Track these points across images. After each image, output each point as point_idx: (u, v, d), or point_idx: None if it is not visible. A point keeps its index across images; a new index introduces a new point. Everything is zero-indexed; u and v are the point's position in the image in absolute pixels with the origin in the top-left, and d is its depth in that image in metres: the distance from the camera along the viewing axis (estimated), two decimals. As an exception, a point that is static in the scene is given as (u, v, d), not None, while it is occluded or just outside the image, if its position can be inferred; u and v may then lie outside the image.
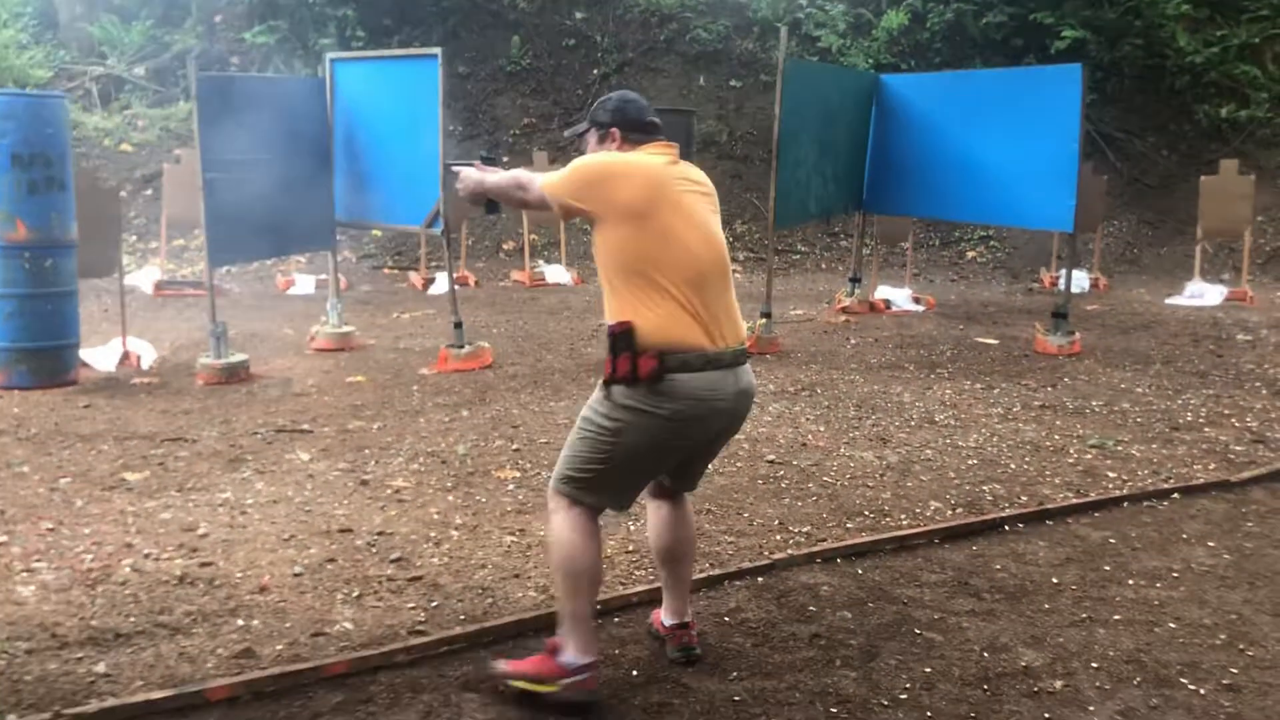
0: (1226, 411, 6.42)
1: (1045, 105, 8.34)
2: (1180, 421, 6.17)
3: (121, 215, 8.99)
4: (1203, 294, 11.03)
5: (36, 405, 6.29)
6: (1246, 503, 4.73)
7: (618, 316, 2.86)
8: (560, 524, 2.98)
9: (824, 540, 4.20)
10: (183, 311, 10.02)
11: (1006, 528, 4.37)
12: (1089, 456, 5.44)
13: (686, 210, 2.93)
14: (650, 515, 3.27)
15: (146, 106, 14.39)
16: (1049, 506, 4.58)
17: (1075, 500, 4.69)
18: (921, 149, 9.35)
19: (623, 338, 2.81)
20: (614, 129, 3.05)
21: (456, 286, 11.43)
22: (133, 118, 14.19)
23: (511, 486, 4.88)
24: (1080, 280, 11.82)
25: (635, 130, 3.05)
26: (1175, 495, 4.80)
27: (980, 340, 8.83)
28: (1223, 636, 3.41)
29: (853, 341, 8.71)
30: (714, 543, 4.19)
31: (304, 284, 11.30)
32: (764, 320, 8.30)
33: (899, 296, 10.56)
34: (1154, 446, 5.64)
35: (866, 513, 4.56)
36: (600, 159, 3.01)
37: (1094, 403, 6.62)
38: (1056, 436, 5.81)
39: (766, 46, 15.81)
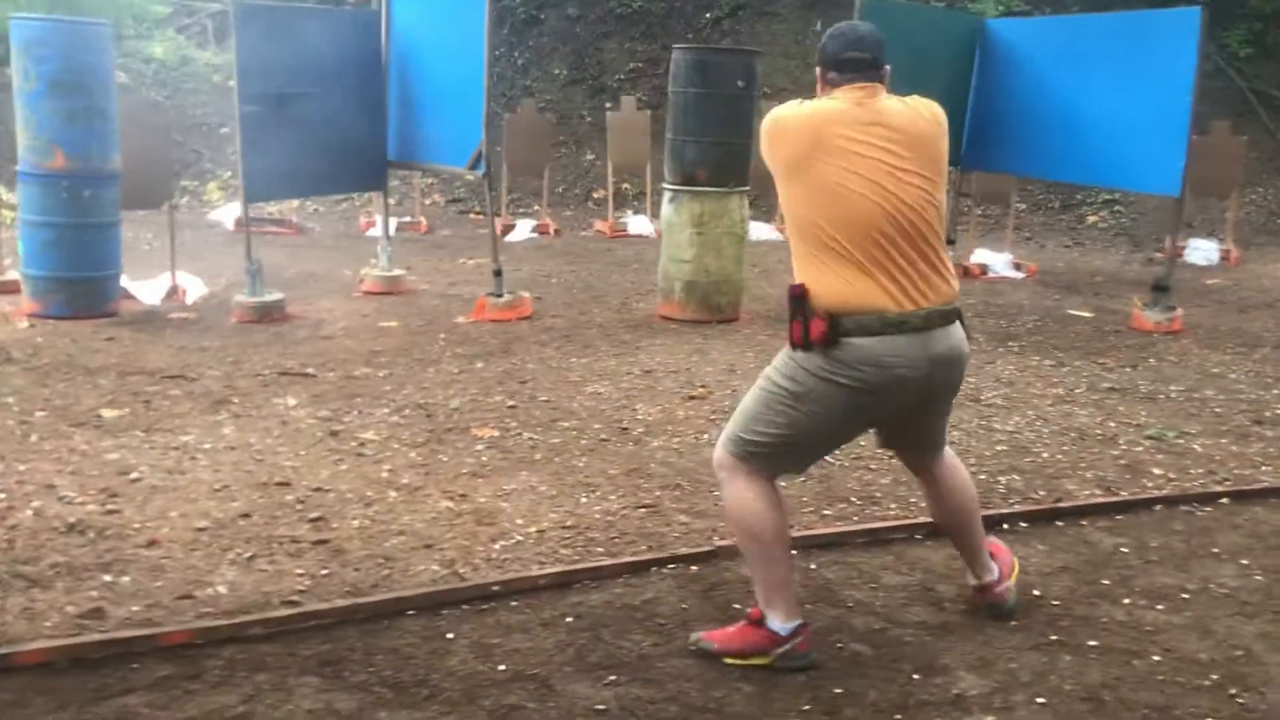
0: (1329, 405, 5.64)
1: (1157, 54, 7.48)
2: (1267, 415, 5.43)
3: (171, 145, 8.91)
4: (1348, 272, 9.91)
5: (62, 335, 6.28)
6: (1309, 514, 4.07)
7: (797, 278, 2.74)
8: (737, 494, 2.84)
9: (790, 528, 3.74)
10: (259, 249, 10.00)
11: (1005, 526, 3.83)
12: (1140, 449, 4.80)
13: (858, 160, 2.68)
14: (922, 491, 3.22)
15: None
16: (1063, 505, 4.01)
17: (1100, 499, 4.11)
18: (1024, 101, 8.56)
19: (796, 301, 2.70)
20: (818, 69, 2.86)
21: (537, 234, 11.25)
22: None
23: (482, 446, 4.57)
24: (1208, 252, 10.84)
25: (833, 68, 2.81)
26: (1224, 500, 4.17)
27: (1073, 312, 8.08)
28: (1214, 677, 2.85)
29: (929, 307, 8.08)
30: (665, 522, 3.79)
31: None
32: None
33: (997, 261, 9.81)
34: (1223, 441, 4.96)
35: (854, 499, 4.08)
36: (773, 113, 2.82)
37: (1173, 387, 5.91)
38: (1112, 424, 5.17)
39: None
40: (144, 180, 7.26)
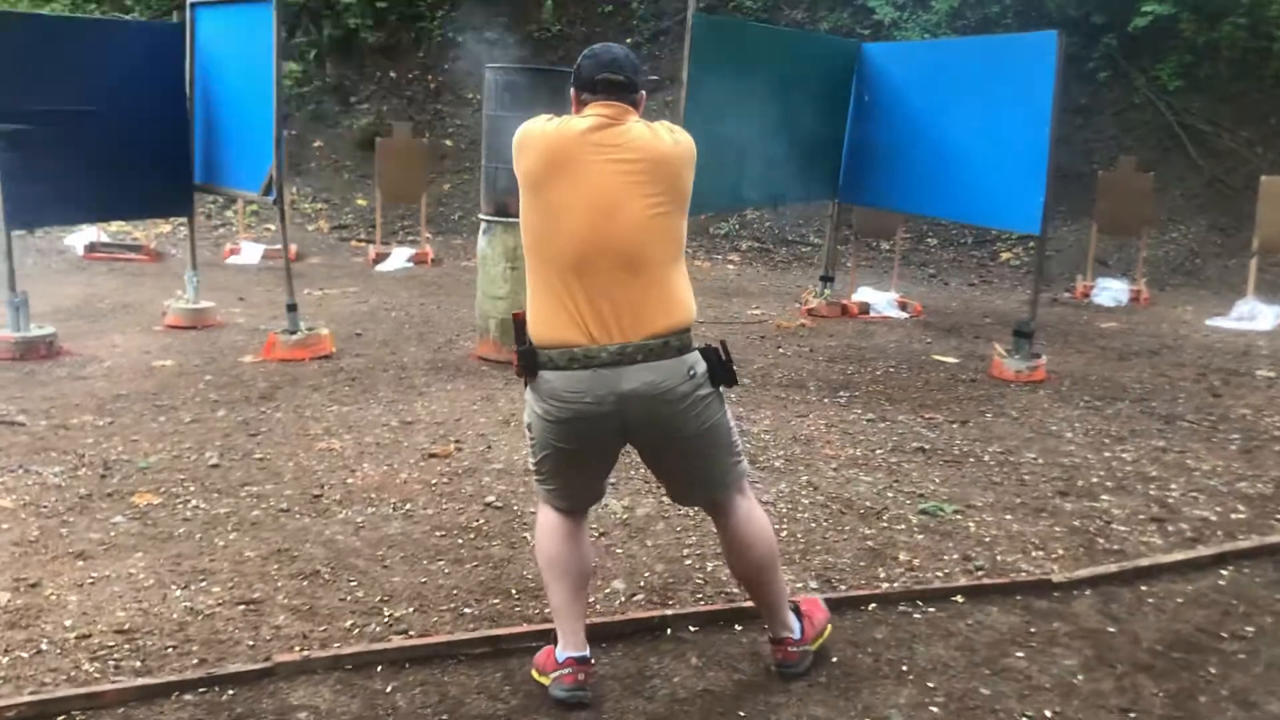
0: (1155, 472, 5.03)
1: (1016, 82, 6.92)
2: (1079, 484, 4.81)
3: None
4: (1255, 316, 9.31)
5: None
6: (1052, 618, 3.43)
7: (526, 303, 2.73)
8: (538, 519, 2.91)
9: (392, 636, 3.12)
10: (100, 276, 9.44)
11: (670, 630, 3.20)
12: (901, 527, 4.18)
13: (587, 183, 2.61)
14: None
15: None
16: (746, 604, 3.36)
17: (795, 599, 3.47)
18: (896, 132, 8.02)
19: (516, 328, 2.71)
20: (572, 90, 2.77)
21: (412, 264, 10.65)
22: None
23: (123, 519, 3.95)
24: (1117, 292, 10.26)
25: (586, 89, 2.73)
26: (958, 598, 3.54)
27: (937, 358, 7.48)
28: None
29: (782, 350, 7.49)
30: (251, 625, 3.15)
31: (249, 253, 10.61)
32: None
33: (881, 300, 9.21)
34: (1007, 518, 4.34)
35: (515, 592, 3.46)
36: (522, 126, 2.74)
37: (992, 448, 5.29)
38: (890, 494, 4.55)
39: (816, 17, 14.43)
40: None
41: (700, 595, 3.48)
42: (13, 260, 6.45)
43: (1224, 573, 3.88)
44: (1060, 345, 8.13)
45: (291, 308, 6.67)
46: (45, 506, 4.03)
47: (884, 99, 8.13)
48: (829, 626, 3.08)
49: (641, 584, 3.55)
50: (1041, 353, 7.14)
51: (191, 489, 4.28)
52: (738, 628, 3.25)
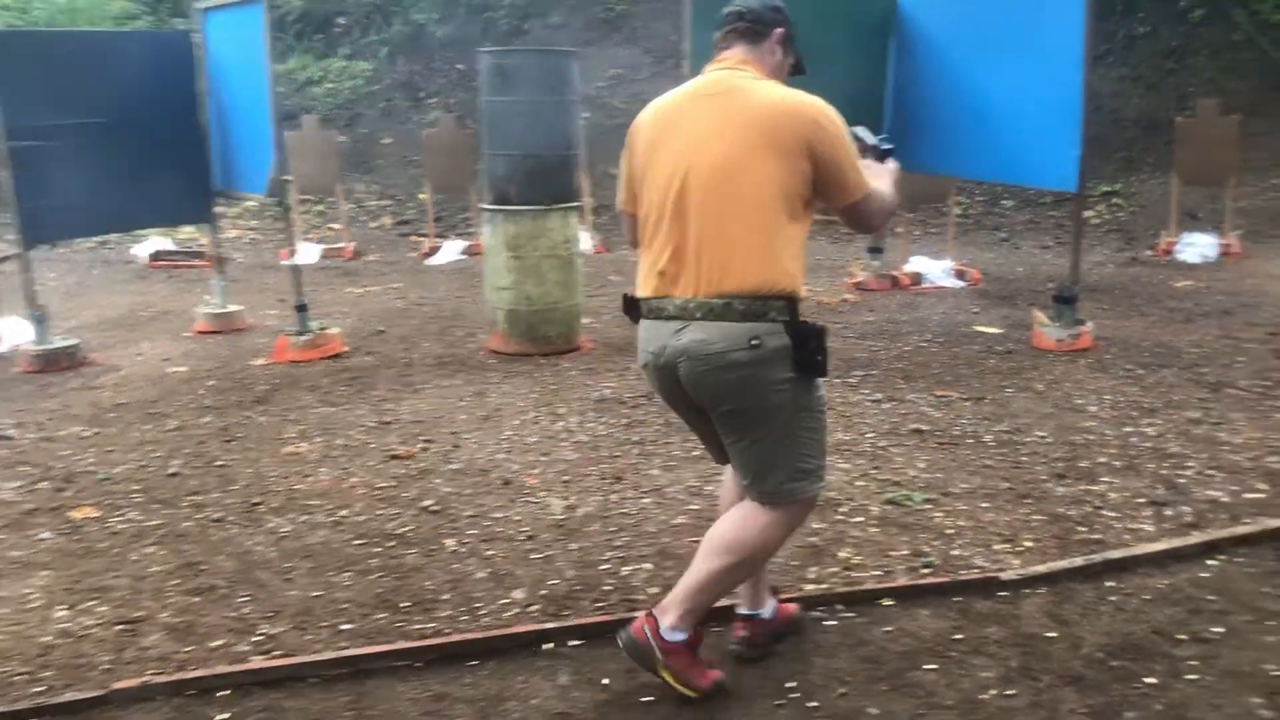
0: (1177, 448, 4.57)
1: (1046, 29, 6.41)
2: (1082, 465, 4.40)
3: None
4: (1356, 266, 8.51)
5: None
6: (989, 621, 3.09)
7: None
8: None
9: (253, 657, 2.99)
10: (158, 284, 9.66)
11: (547, 644, 2.98)
12: (859, 520, 3.87)
13: (690, 130, 2.54)
14: None
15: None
16: (606, 619, 3.10)
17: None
18: (935, 91, 7.52)
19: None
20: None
21: (465, 256, 10.59)
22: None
23: (50, 535, 3.93)
24: (1205, 247, 9.51)
25: (718, 34, 2.71)
26: (886, 601, 3.22)
27: (980, 329, 7.03)
28: None
29: (813, 329, 7.13)
30: (115, 648, 3.06)
31: (306, 253, 10.70)
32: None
33: (934, 270, 8.74)
34: (983, 506, 3.98)
35: (405, 606, 3.29)
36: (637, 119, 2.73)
37: (997, 428, 4.90)
38: (862, 483, 4.24)
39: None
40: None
41: (602, 604, 3.26)
42: (32, 274, 6.58)
43: (1211, 563, 3.47)
44: (1125, 308, 7.57)
45: (301, 308, 6.64)
46: (-15, 521, 4.04)
47: (920, 57, 7.66)
48: (692, 694, 2.66)
49: (544, 593, 3.34)
50: (1089, 319, 6.62)
51: (136, 500, 4.25)
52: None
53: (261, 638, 3.09)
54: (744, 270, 2.45)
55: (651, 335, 2.58)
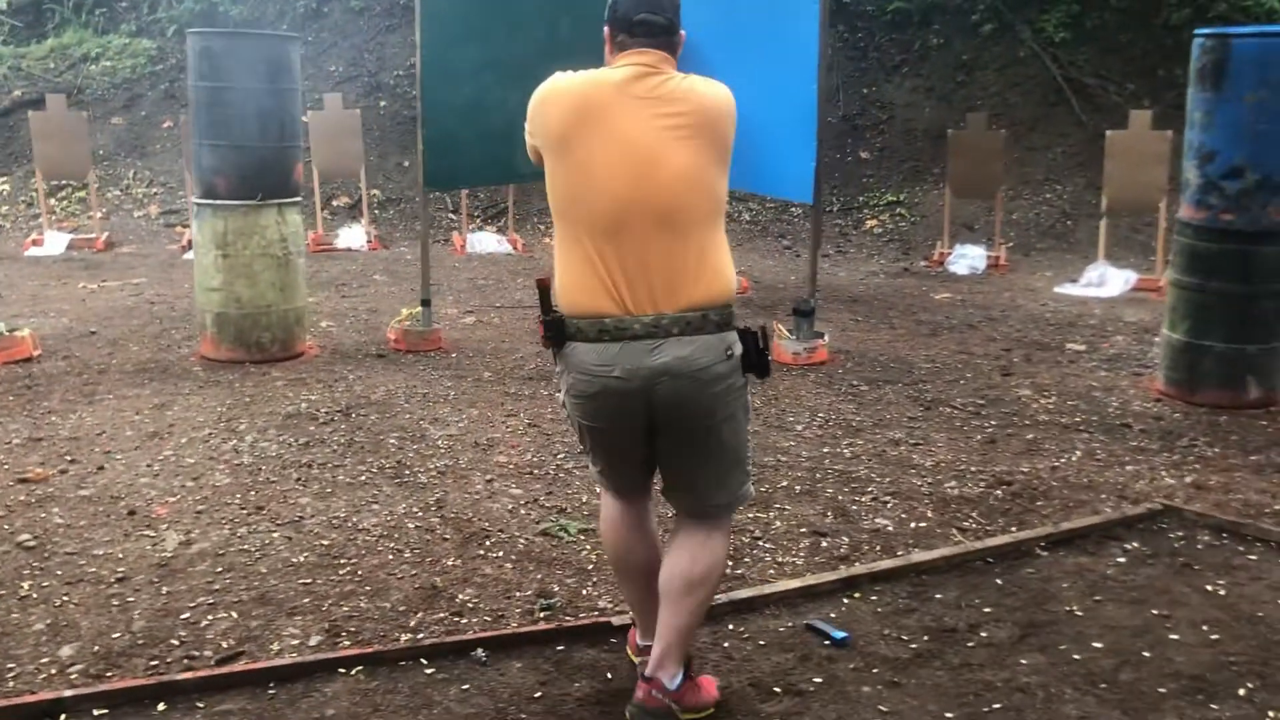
0: (865, 472, 4.47)
1: (785, 35, 6.29)
2: (764, 489, 4.22)
3: None
4: (1103, 282, 8.73)
5: None
6: (584, 674, 2.84)
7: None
8: (601, 506, 2.75)
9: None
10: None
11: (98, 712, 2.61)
12: (498, 555, 3.59)
13: (625, 136, 2.39)
14: None
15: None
16: (134, 683, 2.75)
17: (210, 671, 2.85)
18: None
19: (541, 295, 2.48)
20: (607, 29, 2.55)
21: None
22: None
23: None
24: (974, 259, 9.65)
25: (621, 29, 2.51)
26: (479, 651, 2.95)
27: (727, 340, 6.86)
28: None
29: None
30: None
31: (52, 243, 9.95)
32: (419, 311, 6.59)
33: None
34: (637, 539, 3.74)
35: (-71, 664, 2.86)
36: (546, 81, 2.50)
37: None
38: (527, 509, 3.96)
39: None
40: None
41: (159, 662, 2.89)
42: None
43: (846, 601, 3.32)
44: (877, 320, 7.55)
45: (-18, 308, 6.03)
46: None
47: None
48: (709, 711, 2.64)
49: (97, 649, 2.95)
50: (840, 330, 6.55)
51: None
52: (161, 706, 2.65)
53: None
54: (711, 281, 2.42)
55: (614, 358, 2.38)
